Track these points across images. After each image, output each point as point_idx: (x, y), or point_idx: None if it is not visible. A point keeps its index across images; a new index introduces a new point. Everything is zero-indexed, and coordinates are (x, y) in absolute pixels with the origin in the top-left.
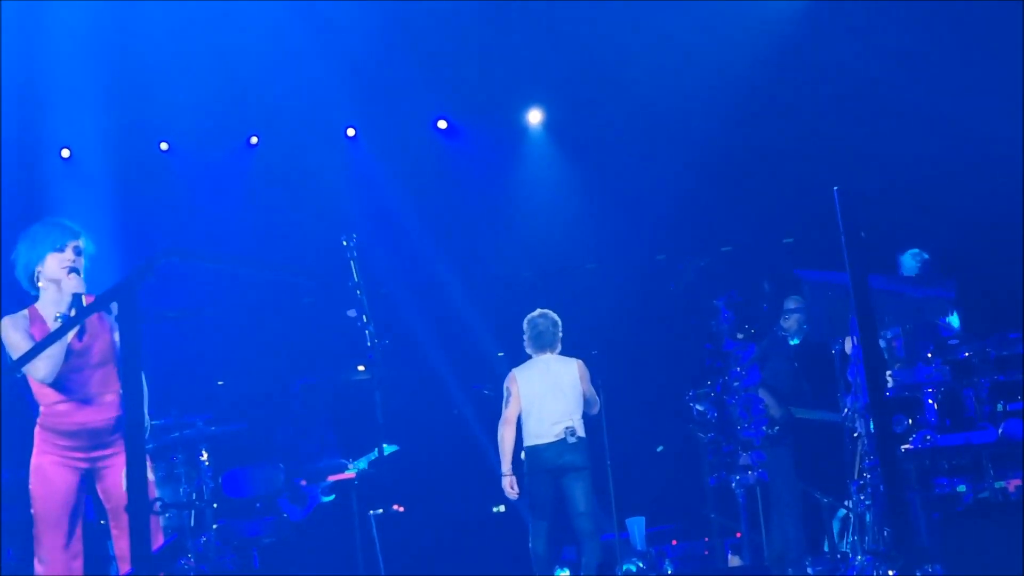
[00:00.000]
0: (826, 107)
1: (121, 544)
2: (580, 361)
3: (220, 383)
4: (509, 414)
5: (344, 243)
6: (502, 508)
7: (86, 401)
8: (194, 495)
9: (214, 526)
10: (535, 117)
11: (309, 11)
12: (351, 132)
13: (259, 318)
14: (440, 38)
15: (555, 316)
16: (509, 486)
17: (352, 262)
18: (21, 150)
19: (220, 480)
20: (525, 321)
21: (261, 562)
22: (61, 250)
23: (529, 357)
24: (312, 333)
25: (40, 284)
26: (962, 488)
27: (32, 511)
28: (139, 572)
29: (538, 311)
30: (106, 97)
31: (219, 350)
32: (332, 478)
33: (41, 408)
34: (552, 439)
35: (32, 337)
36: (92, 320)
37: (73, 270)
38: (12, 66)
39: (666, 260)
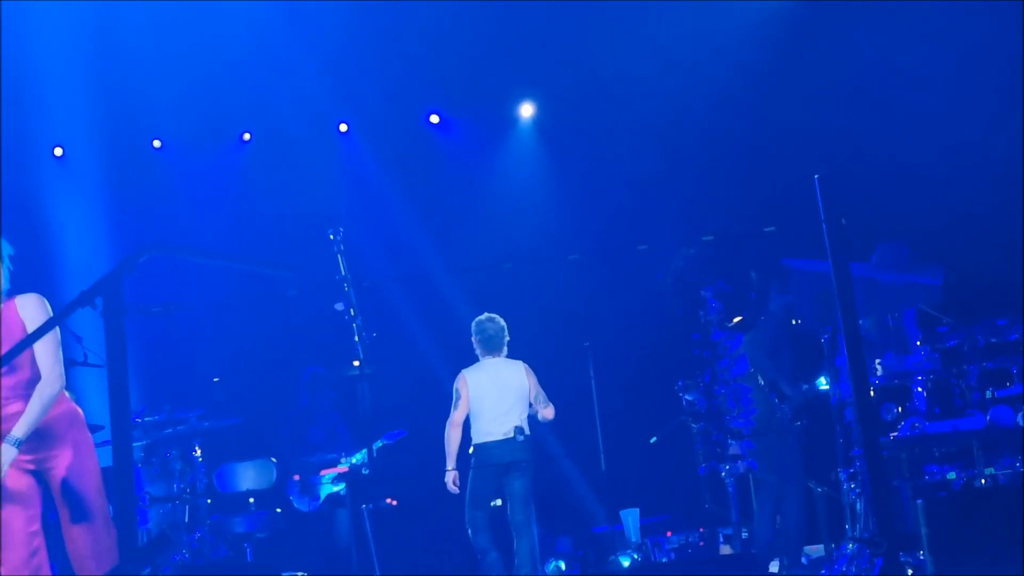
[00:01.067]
0: (806, 95)
1: (76, 545)
2: (525, 364)
3: (216, 379)
4: (457, 416)
5: (331, 237)
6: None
7: (14, 404)
8: (188, 491)
9: (208, 521)
10: (527, 111)
11: (300, 6)
12: (344, 128)
13: (250, 312)
14: (433, 32)
15: (502, 321)
16: (452, 481)
17: (339, 256)
18: (14, 148)
19: (214, 476)
20: (473, 324)
21: (255, 557)
22: None
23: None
24: (302, 327)
25: None
26: (952, 475)
27: None
28: (126, 570)
29: (485, 315)
30: (99, 95)
31: (213, 345)
32: (324, 472)
33: None
34: (501, 437)
35: None
36: (5, 321)
37: None
38: (5, 65)
39: (648, 250)
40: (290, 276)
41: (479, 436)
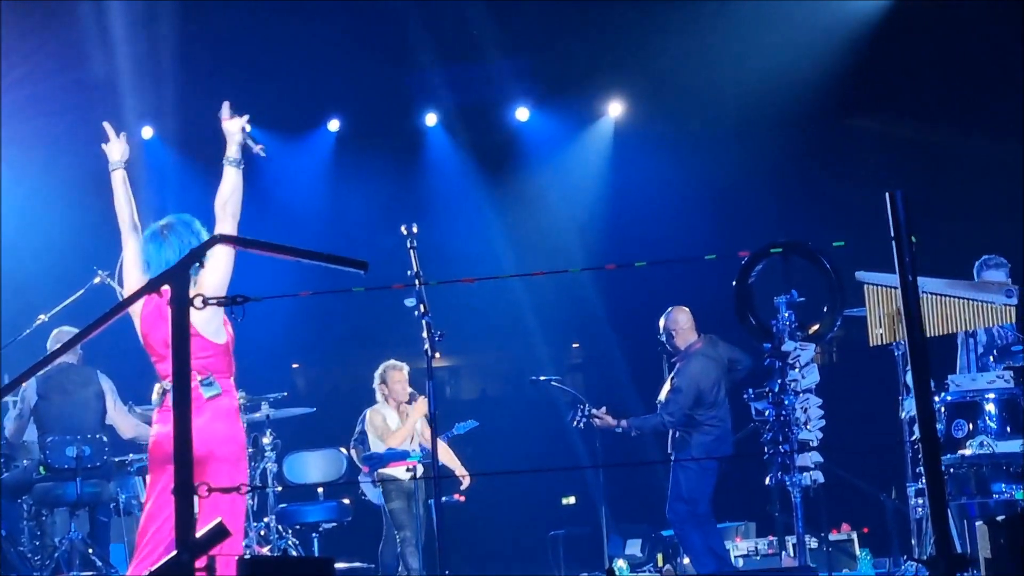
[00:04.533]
0: (892, 107)
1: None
2: None
3: (295, 366)
4: None
5: (403, 231)
6: (572, 500)
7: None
8: (256, 478)
9: (275, 510)
10: (615, 110)
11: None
12: (431, 120)
13: (325, 305)
14: (527, 29)
15: None
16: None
17: (412, 251)
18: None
19: (283, 464)
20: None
21: (321, 546)
22: None
23: None
24: (377, 322)
25: None
26: (1020, 495)
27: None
28: (182, 559)
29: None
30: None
31: (289, 334)
32: (393, 465)
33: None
34: None
35: None
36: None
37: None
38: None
39: (720, 258)
40: (358, 272)
41: None
